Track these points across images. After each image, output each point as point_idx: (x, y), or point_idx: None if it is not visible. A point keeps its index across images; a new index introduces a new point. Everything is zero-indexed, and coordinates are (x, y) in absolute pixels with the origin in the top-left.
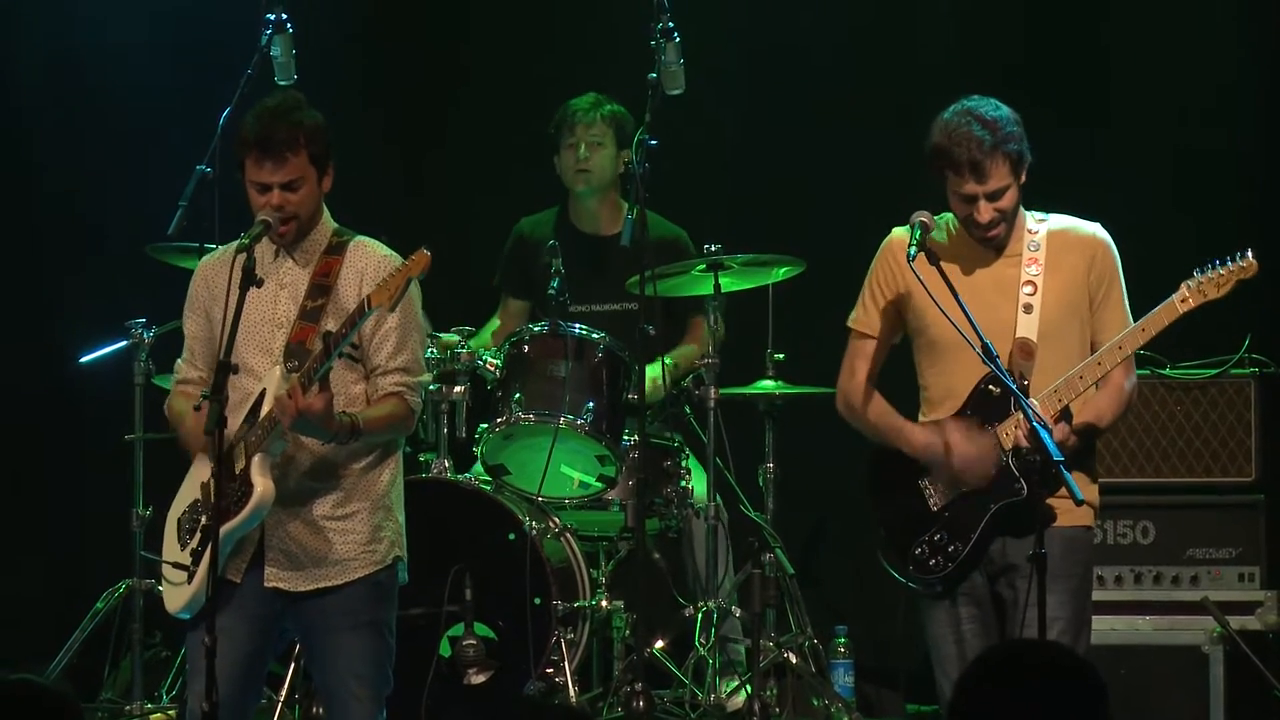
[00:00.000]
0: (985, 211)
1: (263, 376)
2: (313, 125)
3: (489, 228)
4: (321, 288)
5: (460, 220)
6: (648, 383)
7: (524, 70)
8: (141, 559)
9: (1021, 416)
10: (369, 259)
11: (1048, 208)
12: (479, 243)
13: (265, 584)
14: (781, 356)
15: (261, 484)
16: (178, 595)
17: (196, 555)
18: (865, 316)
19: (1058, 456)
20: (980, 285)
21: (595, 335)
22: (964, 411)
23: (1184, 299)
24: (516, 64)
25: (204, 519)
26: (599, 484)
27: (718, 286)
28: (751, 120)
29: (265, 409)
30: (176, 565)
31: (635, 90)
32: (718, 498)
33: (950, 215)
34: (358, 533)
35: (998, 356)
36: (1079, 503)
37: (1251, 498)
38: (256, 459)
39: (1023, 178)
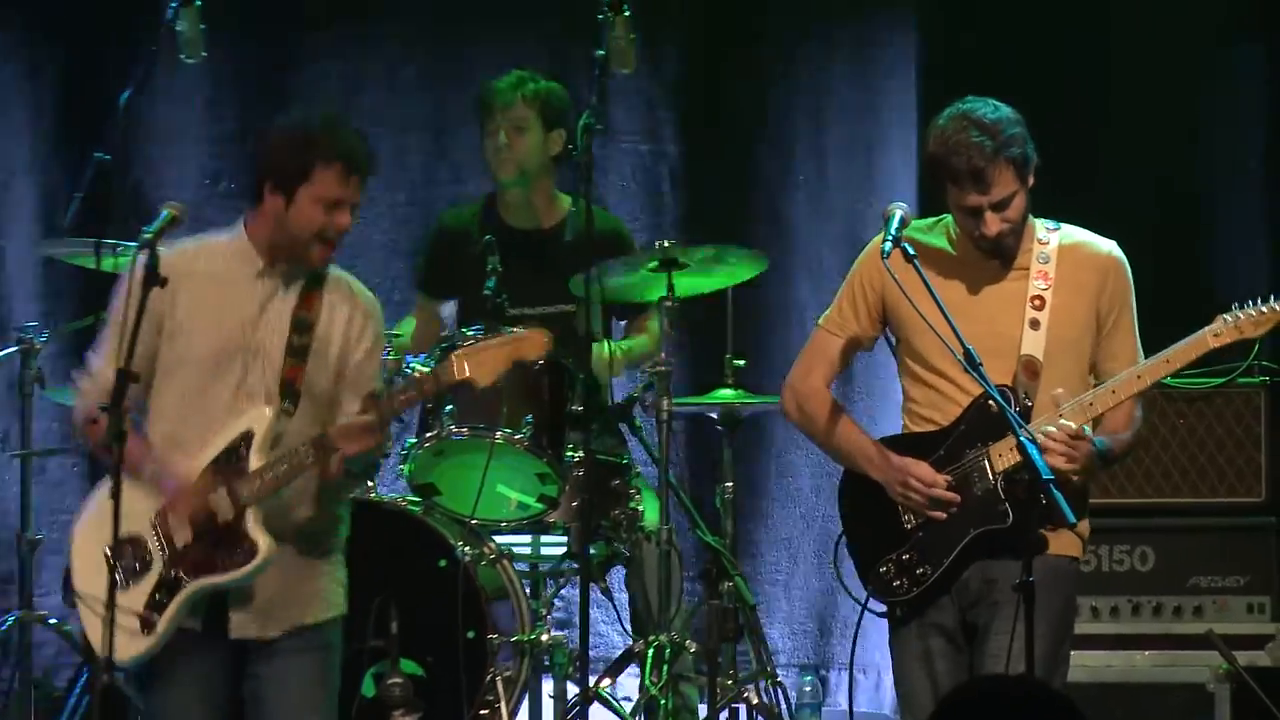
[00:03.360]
0: (993, 224)
1: (241, 413)
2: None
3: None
4: (304, 323)
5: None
6: (595, 359)
7: (460, 49)
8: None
9: (1041, 432)
10: (350, 303)
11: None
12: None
13: (231, 635)
14: (742, 362)
15: (265, 542)
16: (131, 644)
17: (158, 604)
18: (838, 315)
19: (1047, 475)
20: (984, 297)
21: (471, 331)
22: (957, 427)
23: (1217, 334)
24: (453, 44)
25: (160, 562)
26: (539, 505)
27: (671, 287)
28: (708, 105)
29: (259, 457)
30: (131, 612)
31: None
32: (671, 520)
33: (950, 217)
34: (332, 570)
35: (981, 364)
36: (1071, 525)
37: (1261, 520)
38: (253, 512)
39: (1030, 181)
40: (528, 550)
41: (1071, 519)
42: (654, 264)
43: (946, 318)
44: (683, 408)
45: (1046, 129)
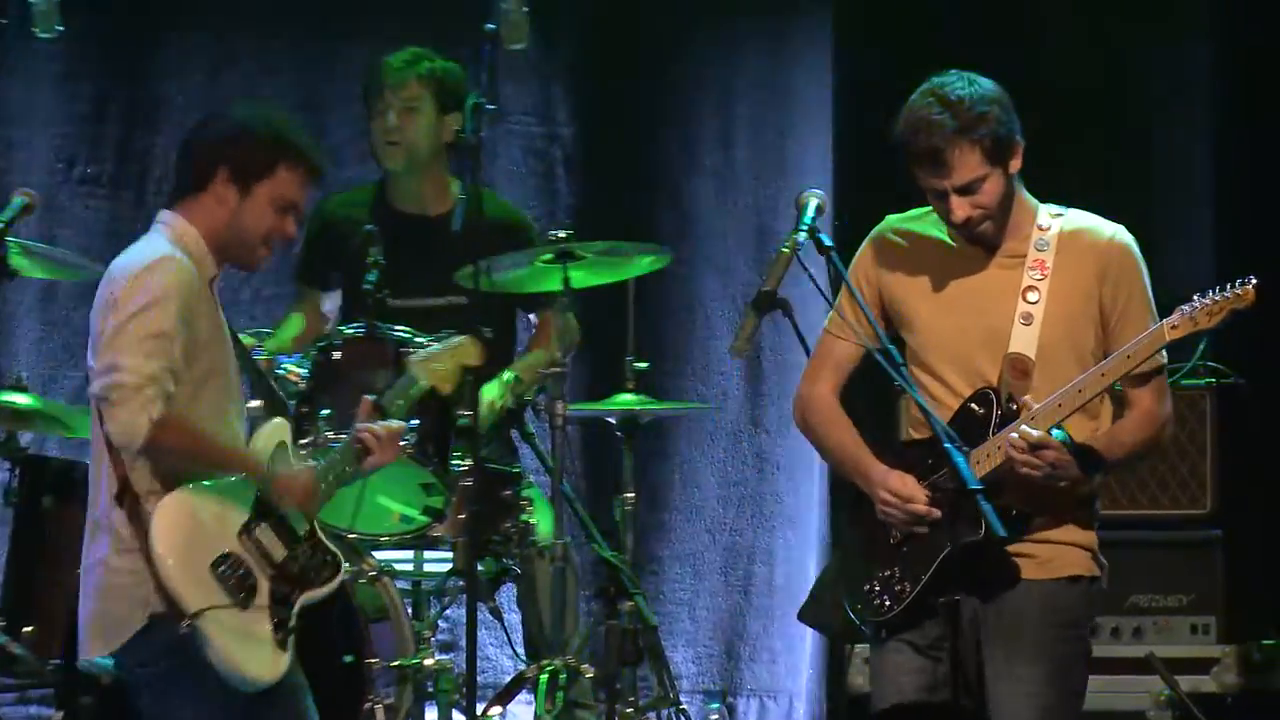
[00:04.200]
0: (959, 209)
1: (248, 424)
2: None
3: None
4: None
5: None
6: (483, 406)
7: (339, 22)
8: None
9: (1001, 440)
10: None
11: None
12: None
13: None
14: (644, 364)
15: (338, 553)
16: (273, 662)
17: (281, 622)
18: (838, 316)
19: (973, 484)
20: (974, 288)
21: (420, 338)
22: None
23: (1174, 326)
24: (330, 15)
25: (264, 578)
26: (424, 518)
27: (567, 281)
28: (606, 83)
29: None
30: (262, 629)
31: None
32: (566, 535)
33: None
34: None
35: (903, 365)
36: (997, 537)
37: (1206, 534)
38: (318, 522)
39: (1013, 165)
40: (410, 567)
41: (999, 531)
42: (548, 256)
43: (864, 311)
44: (579, 412)
45: None
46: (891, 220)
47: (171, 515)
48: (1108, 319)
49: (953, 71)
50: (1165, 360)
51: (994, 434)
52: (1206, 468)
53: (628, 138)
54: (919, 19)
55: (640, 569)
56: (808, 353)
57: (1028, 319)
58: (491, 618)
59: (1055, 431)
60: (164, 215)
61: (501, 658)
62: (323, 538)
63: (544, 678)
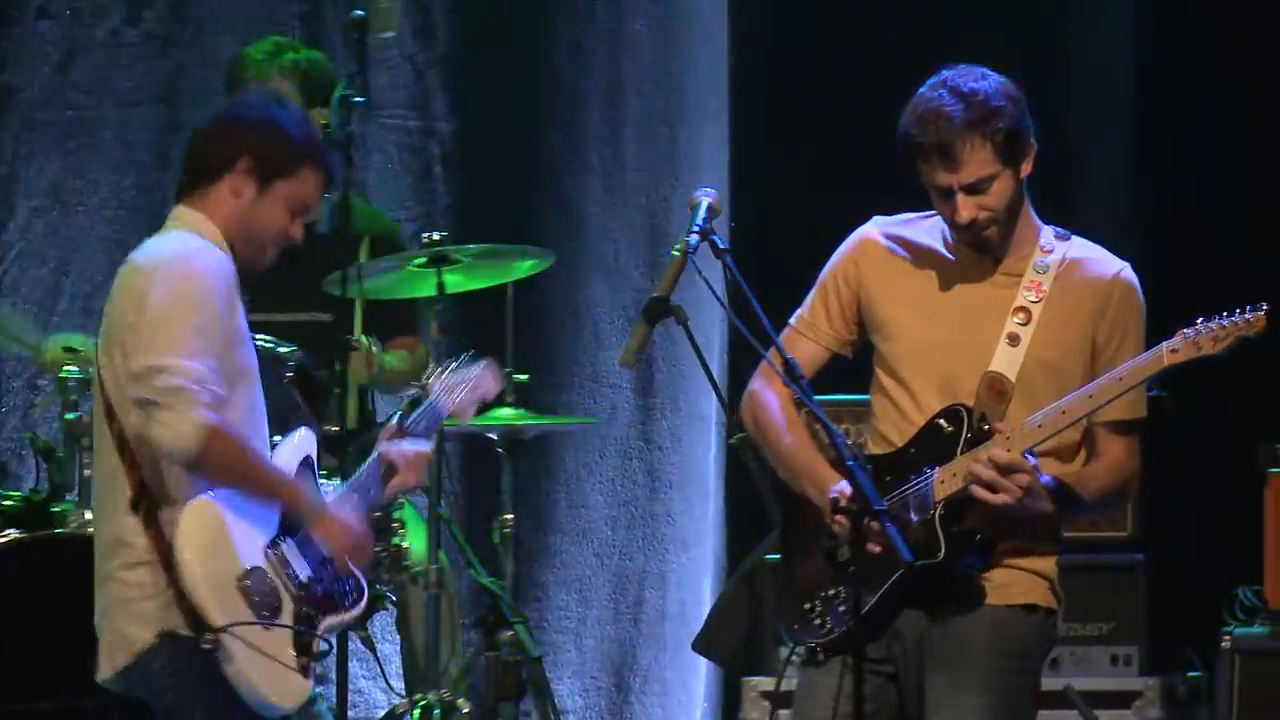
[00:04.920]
0: (965, 209)
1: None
2: None
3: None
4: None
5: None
6: (354, 366)
7: (197, 7)
8: None
9: (973, 458)
10: None
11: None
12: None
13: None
14: (524, 377)
15: (362, 577)
16: (297, 688)
17: (303, 645)
18: (808, 314)
19: (877, 505)
20: (963, 300)
21: (283, 349)
22: (909, 449)
23: (1175, 350)
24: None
25: (289, 599)
26: None
27: (441, 286)
28: (486, 74)
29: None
30: (286, 652)
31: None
32: (442, 558)
33: None
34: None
35: (803, 378)
36: (907, 563)
37: (1127, 558)
38: None
39: (1025, 168)
40: None
41: (906, 555)
42: (421, 260)
43: (766, 325)
44: (456, 428)
45: (882, 90)
46: (879, 222)
47: (199, 520)
48: (1097, 357)
49: (963, 65)
50: (1145, 413)
51: (962, 453)
52: (1140, 465)
53: (509, 132)
54: (826, 5)
55: (522, 596)
56: (703, 363)
57: (1014, 340)
58: (363, 648)
59: (1029, 457)
60: (179, 210)
61: (374, 691)
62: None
63: (418, 713)
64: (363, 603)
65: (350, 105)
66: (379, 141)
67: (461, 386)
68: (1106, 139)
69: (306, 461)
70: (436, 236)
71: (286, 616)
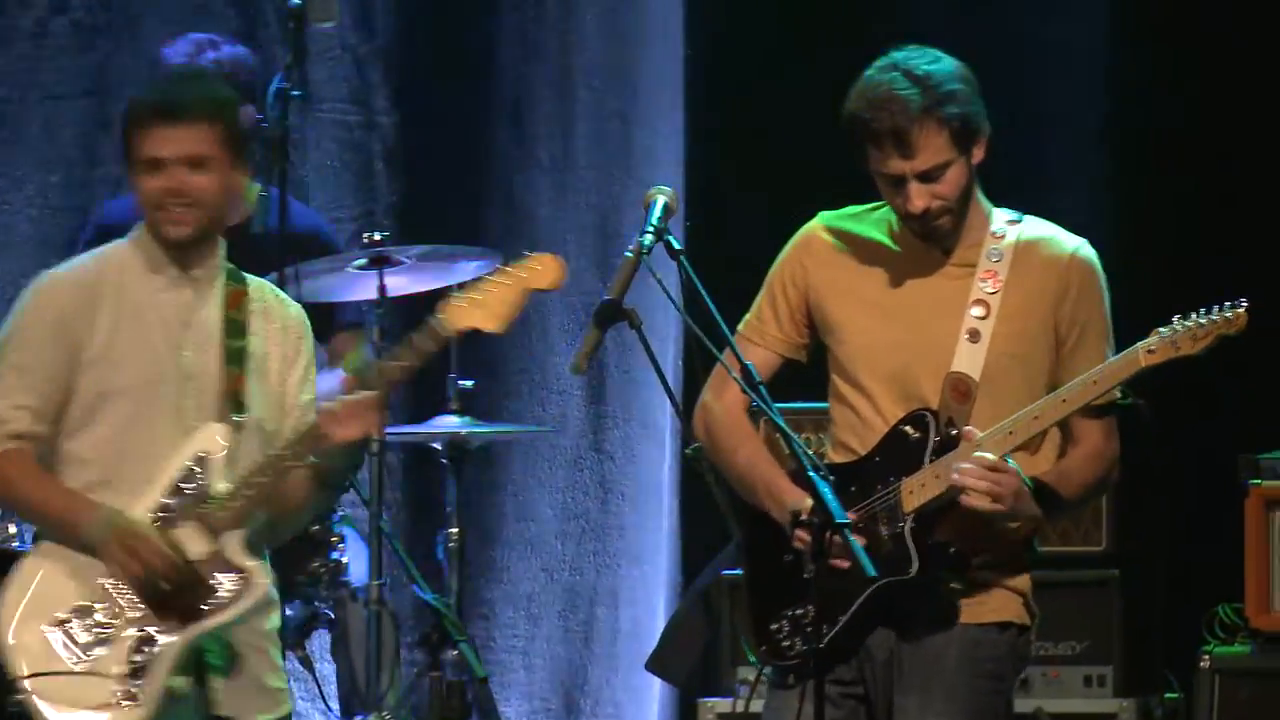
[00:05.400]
0: (918, 197)
1: (182, 437)
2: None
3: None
4: (238, 326)
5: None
6: None
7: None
8: None
9: (938, 468)
10: (282, 314)
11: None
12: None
13: (213, 712)
14: (469, 384)
15: (258, 570)
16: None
17: (138, 670)
18: (756, 319)
19: (841, 518)
20: (917, 298)
21: None
22: (873, 458)
23: (1151, 350)
24: None
25: (127, 625)
26: None
27: (383, 289)
28: (430, 66)
29: (222, 477)
30: (106, 685)
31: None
32: (383, 575)
33: None
34: (277, 658)
35: (762, 384)
36: (869, 577)
37: (1102, 574)
38: (234, 538)
39: (977, 155)
40: None
41: (870, 571)
42: (362, 262)
43: (719, 320)
44: (398, 437)
45: (844, 82)
46: (825, 217)
47: (33, 563)
48: (1062, 344)
49: (913, 46)
50: (1119, 395)
51: (930, 461)
52: (1102, 501)
53: (454, 128)
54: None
55: (467, 613)
56: (658, 370)
57: (974, 336)
58: (301, 668)
59: (1009, 462)
60: None
61: (313, 713)
62: (232, 555)
63: None
64: (247, 597)
65: (287, 99)
66: (318, 137)
67: (477, 289)
68: (1076, 129)
69: (199, 458)
70: (378, 237)
71: (121, 645)
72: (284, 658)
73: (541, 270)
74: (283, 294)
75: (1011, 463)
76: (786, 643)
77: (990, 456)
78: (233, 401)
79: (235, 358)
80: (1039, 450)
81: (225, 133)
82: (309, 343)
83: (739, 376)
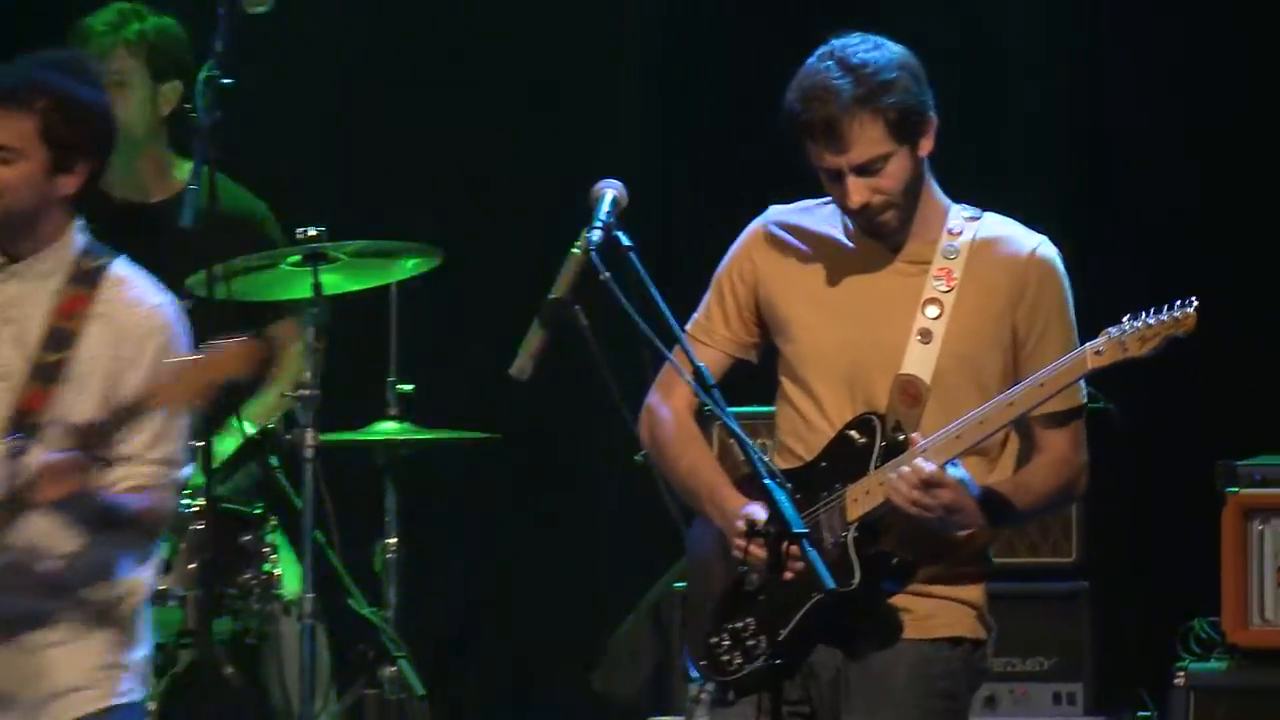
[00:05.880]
0: (856, 192)
1: None
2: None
3: None
4: (63, 336)
5: None
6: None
7: None
8: None
9: (894, 473)
10: (129, 316)
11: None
12: None
13: None
14: (409, 388)
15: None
16: None
17: None
18: (704, 319)
19: (797, 527)
20: (867, 295)
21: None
22: (819, 463)
23: (1099, 351)
24: None
25: None
26: None
27: (318, 287)
28: (368, 58)
29: None
30: None
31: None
32: (317, 588)
33: None
34: (90, 656)
35: (715, 387)
36: (827, 591)
37: (1072, 586)
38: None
39: (925, 146)
40: None
41: (828, 584)
42: (296, 258)
43: (671, 321)
44: (334, 444)
45: (790, 72)
46: (775, 211)
47: None
48: (1020, 346)
49: (856, 34)
50: (1085, 399)
51: (875, 467)
52: (1072, 511)
53: (398, 113)
54: None
55: (406, 628)
56: (605, 372)
57: (926, 336)
58: (234, 684)
59: (952, 469)
60: None
61: None
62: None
63: None
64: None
65: (218, 87)
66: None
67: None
68: (1036, 125)
69: None
70: (313, 232)
71: None
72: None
73: (232, 358)
74: (142, 290)
75: (958, 471)
76: (726, 657)
77: (928, 467)
78: (21, 420)
79: (43, 373)
80: (998, 459)
81: (43, 126)
82: (159, 343)
83: (691, 379)
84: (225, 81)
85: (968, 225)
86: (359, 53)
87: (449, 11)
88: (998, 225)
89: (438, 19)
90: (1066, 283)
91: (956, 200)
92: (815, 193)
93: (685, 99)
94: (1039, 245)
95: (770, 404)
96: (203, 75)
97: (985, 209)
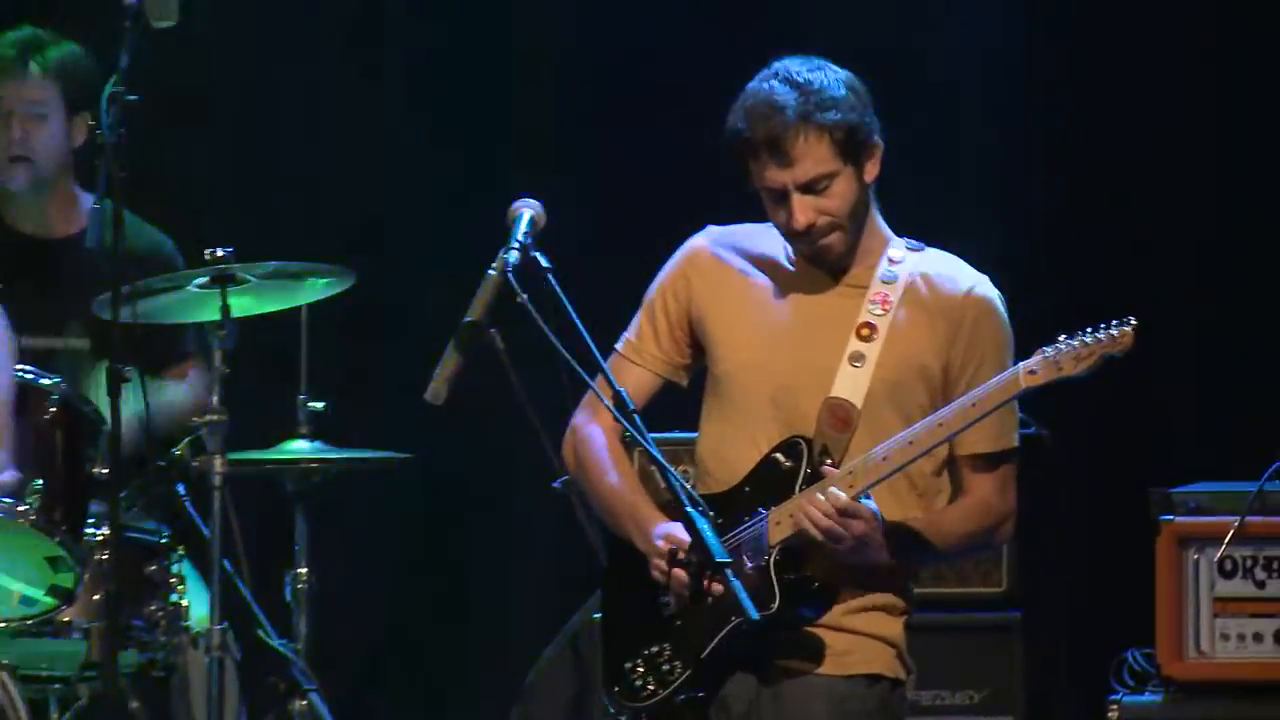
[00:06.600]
0: (801, 211)
1: None
2: None
3: None
4: None
5: None
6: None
7: None
8: None
9: (807, 499)
10: None
11: None
12: None
13: None
14: (320, 406)
15: None
16: None
17: None
18: (635, 337)
19: (720, 557)
20: (800, 316)
21: (45, 381)
22: (742, 488)
23: (1033, 371)
24: None
25: None
26: (49, 599)
27: (226, 309)
28: (280, 73)
29: None
30: None
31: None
32: (225, 619)
33: None
34: None
35: (636, 411)
36: (752, 622)
37: (1002, 617)
38: None
39: (870, 171)
40: (34, 659)
41: (752, 614)
42: (203, 280)
43: (589, 342)
44: (242, 468)
45: (721, 79)
46: (713, 230)
47: None
48: (952, 384)
49: (798, 57)
50: (1018, 443)
51: (800, 491)
52: (1015, 504)
53: (300, 135)
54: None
55: (319, 660)
56: (523, 397)
57: (858, 360)
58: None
59: (867, 501)
60: None
61: None
62: None
63: None
64: None
65: (124, 106)
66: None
67: None
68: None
69: None
70: (221, 253)
71: None
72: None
73: None
74: None
75: (870, 504)
76: (640, 683)
77: (843, 495)
78: None
79: None
80: (933, 497)
81: None
82: None
83: (610, 403)
84: (131, 98)
85: (910, 255)
86: (268, 70)
87: (360, 28)
88: (940, 260)
89: (348, 35)
90: (1006, 323)
91: (899, 234)
92: (754, 207)
93: (609, 96)
94: (978, 284)
95: (693, 430)
96: (107, 92)
97: (929, 243)
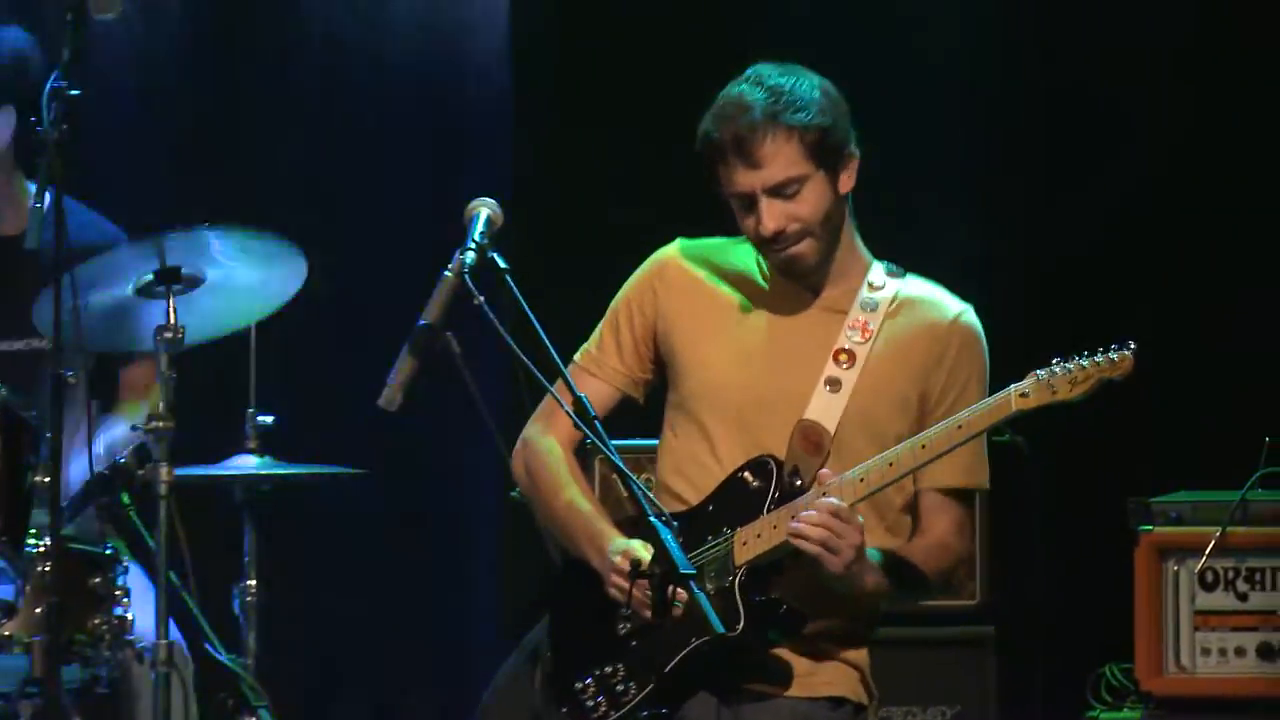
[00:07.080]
0: (768, 216)
1: None
2: None
3: None
4: None
5: None
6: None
7: None
8: None
9: (776, 519)
10: None
11: None
12: None
13: None
14: (270, 419)
15: None
16: None
17: None
18: (595, 348)
19: (686, 569)
20: (773, 336)
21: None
22: (706, 506)
23: (1025, 394)
24: None
25: None
26: None
27: (173, 311)
28: (230, 68)
29: None
30: None
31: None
32: (174, 633)
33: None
34: None
35: (596, 418)
36: (718, 636)
37: (976, 630)
38: None
39: (845, 182)
40: None
41: (718, 628)
42: (149, 278)
43: (549, 345)
44: (189, 479)
45: (693, 79)
46: (684, 242)
47: None
48: (929, 412)
49: (772, 63)
50: (987, 484)
51: (769, 511)
52: (976, 550)
53: (254, 127)
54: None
55: (268, 674)
56: (479, 404)
57: (834, 385)
58: None
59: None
60: None
61: None
62: None
63: None
64: None
65: (66, 100)
66: (102, 140)
67: None
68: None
69: None
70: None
71: None
72: None
73: None
74: None
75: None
76: (592, 704)
77: (837, 503)
78: None
79: None
80: (898, 535)
81: None
82: None
83: (571, 410)
84: (73, 93)
85: (890, 281)
86: (215, 71)
87: (316, 39)
88: (921, 287)
89: (301, 44)
90: (986, 353)
91: (879, 258)
92: (716, 210)
93: (579, 96)
94: (963, 313)
95: (654, 437)
96: (48, 86)
97: (908, 271)
